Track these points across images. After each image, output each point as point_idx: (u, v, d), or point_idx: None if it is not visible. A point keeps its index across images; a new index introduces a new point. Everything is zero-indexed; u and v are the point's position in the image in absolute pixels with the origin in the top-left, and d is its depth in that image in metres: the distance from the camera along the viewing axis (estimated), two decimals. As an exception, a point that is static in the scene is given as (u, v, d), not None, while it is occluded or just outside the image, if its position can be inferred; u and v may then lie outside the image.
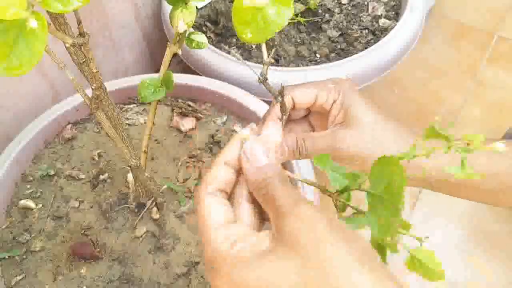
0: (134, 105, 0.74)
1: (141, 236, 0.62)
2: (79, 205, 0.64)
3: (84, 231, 0.62)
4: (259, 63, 0.80)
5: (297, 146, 0.37)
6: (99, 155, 0.69)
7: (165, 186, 0.64)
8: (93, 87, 0.42)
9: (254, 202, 0.30)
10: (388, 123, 0.37)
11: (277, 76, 0.74)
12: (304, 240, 0.24)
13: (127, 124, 0.72)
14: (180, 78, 0.73)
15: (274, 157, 0.31)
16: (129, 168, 0.56)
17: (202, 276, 0.59)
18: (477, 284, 0.92)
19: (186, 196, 0.65)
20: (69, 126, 0.72)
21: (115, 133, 0.48)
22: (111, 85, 0.71)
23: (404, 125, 0.38)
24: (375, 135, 0.37)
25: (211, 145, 0.70)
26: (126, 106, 0.75)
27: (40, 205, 0.64)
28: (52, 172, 0.67)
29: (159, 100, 0.69)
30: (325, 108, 0.39)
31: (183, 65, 0.85)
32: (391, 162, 0.24)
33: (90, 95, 0.42)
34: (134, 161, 0.52)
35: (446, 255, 0.96)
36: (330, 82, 0.39)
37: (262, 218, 0.31)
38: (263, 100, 0.73)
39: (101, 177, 0.67)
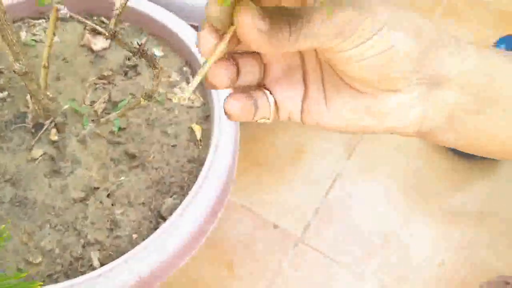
0: (43, 20, 0.67)
1: (38, 159, 0.57)
2: (-30, 123, 0.58)
3: (-26, 150, 0.56)
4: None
5: None
6: (0, 72, 0.63)
7: (66, 106, 0.58)
8: None
9: None
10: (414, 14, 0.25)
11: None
12: None
13: (33, 40, 0.65)
14: (94, -8, 0.66)
15: None
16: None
17: (100, 202, 0.55)
18: (408, 234, 0.92)
19: (92, 120, 0.60)
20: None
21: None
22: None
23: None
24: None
25: (127, 69, 0.65)
26: (34, 21, 0.67)
27: None
28: None
29: (71, 17, 0.63)
30: None
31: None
32: None
33: None
34: (18, 65, 0.46)
35: (379, 205, 0.96)
36: None
37: None
38: (192, 25, 0.68)
39: (0, 94, 0.61)
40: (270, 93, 0.26)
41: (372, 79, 0.24)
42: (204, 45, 0.22)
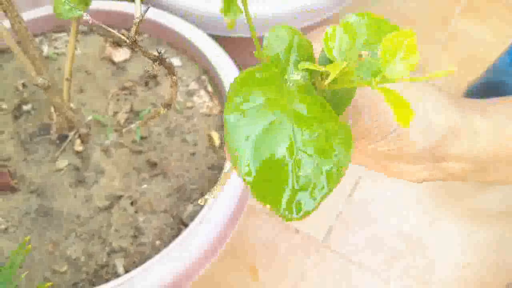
0: (65, 33, 0.69)
1: (63, 169, 0.58)
2: (-2, 136, 0.60)
3: (2, 162, 0.58)
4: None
5: None
6: (24, 85, 0.65)
7: (90, 117, 0.60)
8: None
9: None
10: (427, 84, 0.28)
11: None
12: None
13: (55, 53, 0.67)
14: (113, 5, 0.68)
15: None
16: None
17: (124, 210, 0.56)
18: (433, 236, 0.91)
19: (115, 130, 0.61)
20: (-6, 55, 0.67)
21: (14, 42, 0.43)
22: (35, 13, 0.66)
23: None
24: (414, 100, 0.26)
25: (147, 79, 0.66)
26: (56, 35, 0.70)
27: (-44, 135, 0.60)
28: (-28, 102, 0.63)
29: (91, 30, 0.64)
30: None
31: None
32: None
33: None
34: (41, 79, 0.48)
35: (403, 208, 0.95)
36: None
37: None
38: (210, 35, 0.69)
39: (24, 107, 0.63)
40: None
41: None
42: None
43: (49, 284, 0.39)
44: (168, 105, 0.43)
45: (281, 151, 0.20)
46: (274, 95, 0.21)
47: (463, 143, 0.27)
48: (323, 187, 0.21)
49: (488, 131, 0.28)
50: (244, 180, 0.19)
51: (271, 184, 0.20)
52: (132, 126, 0.52)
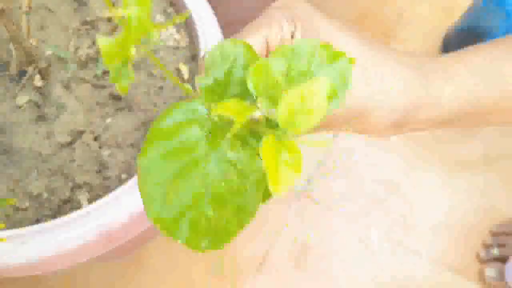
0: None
1: (22, 106, 0.55)
2: (-47, 74, 0.57)
3: (-43, 100, 0.55)
4: None
5: None
6: (-20, 23, 0.61)
7: (49, 51, 0.57)
8: None
9: None
10: (388, 57, 0.27)
11: None
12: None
13: (13, -11, 0.63)
14: None
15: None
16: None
17: (87, 145, 0.53)
18: (415, 183, 0.90)
19: (76, 65, 0.58)
20: None
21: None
22: None
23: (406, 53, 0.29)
24: (375, 81, 0.26)
25: (110, 14, 0.63)
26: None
27: None
28: None
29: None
30: None
31: None
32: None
33: None
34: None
35: (383, 157, 0.93)
36: (275, 10, 0.27)
37: None
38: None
39: (-19, 45, 0.59)
40: None
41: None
42: None
43: (12, 199, 0.36)
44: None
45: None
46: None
47: (425, 111, 0.28)
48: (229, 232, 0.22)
49: (450, 97, 0.28)
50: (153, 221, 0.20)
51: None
52: (92, 51, 0.49)
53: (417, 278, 0.83)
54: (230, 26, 0.63)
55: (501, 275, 0.77)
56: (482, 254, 0.81)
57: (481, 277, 0.81)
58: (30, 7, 0.53)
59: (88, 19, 0.61)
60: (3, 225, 0.36)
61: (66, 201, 0.51)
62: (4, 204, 0.36)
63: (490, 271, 0.78)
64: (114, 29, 0.56)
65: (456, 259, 0.84)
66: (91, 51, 0.59)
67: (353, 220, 0.87)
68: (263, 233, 0.86)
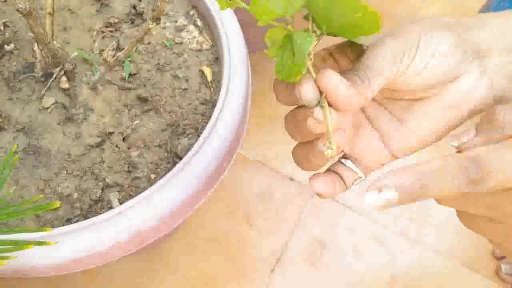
0: (45, -28, 0.66)
1: (49, 107, 0.56)
2: (-21, 76, 0.58)
3: (-15, 103, 0.56)
4: None
5: None
6: (5, 25, 0.62)
7: (75, 54, 0.57)
8: None
9: None
10: None
11: None
12: None
13: (36, -8, 0.64)
14: None
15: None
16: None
17: (116, 146, 0.54)
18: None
19: (101, 67, 0.58)
20: (-30, -4, 0.64)
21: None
22: None
23: None
24: None
25: (133, 17, 0.63)
26: (36, -26, 0.66)
27: None
28: (-51, 43, 0.60)
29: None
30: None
31: None
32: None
33: None
34: (21, 3, 0.45)
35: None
36: (402, 30, 0.28)
37: None
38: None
39: (7, 47, 0.60)
40: (347, 158, 0.30)
41: (436, 81, 0.27)
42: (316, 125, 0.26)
43: (56, 203, 0.37)
44: (157, 19, 0.41)
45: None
46: None
47: (486, 34, 0.29)
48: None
49: (500, 21, 0.29)
50: None
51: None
52: (121, 54, 0.49)
53: (434, 274, 0.84)
54: (248, 26, 0.64)
55: (515, 271, 0.78)
56: (498, 250, 0.82)
57: (497, 273, 0.82)
58: (53, 9, 0.53)
59: (111, 21, 0.62)
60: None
61: (97, 201, 0.51)
62: (46, 208, 0.37)
63: (506, 267, 0.79)
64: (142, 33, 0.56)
65: (472, 255, 0.85)
66: (118, 53, 0.60)
67: (369, 218, 0.88)
68: (282, 231, 0.87)
